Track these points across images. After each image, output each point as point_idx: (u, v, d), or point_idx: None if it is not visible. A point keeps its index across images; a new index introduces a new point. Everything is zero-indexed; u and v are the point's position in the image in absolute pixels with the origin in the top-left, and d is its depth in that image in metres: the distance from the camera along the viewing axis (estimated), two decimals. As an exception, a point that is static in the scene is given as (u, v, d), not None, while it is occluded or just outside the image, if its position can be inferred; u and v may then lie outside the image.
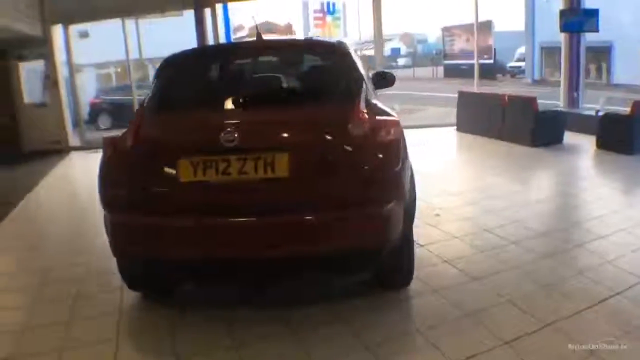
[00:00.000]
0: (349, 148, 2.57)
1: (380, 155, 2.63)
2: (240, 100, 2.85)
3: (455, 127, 8.89)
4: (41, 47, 9.96)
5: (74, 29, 13.29)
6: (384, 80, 4.63)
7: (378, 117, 2.77)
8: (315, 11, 16.49)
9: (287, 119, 2.70)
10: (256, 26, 3.40)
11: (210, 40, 9.87)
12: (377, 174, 2.62)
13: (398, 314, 2.92)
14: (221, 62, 3.28)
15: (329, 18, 16.57)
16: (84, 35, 17.25)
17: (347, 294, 3.10)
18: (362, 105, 2.77)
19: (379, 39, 9.94)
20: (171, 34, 10.43)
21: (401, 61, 36.05)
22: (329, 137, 2.59)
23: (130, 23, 11.49)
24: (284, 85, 3.06)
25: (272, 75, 3.14)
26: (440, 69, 28.01)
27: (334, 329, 2.76)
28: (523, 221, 4.21)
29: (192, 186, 2.59)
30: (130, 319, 3.07)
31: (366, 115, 2.70)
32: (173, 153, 2.62)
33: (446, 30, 26.74)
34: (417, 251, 3.37)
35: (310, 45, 3.32)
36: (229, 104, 2.88)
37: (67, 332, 2.92)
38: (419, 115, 14.96)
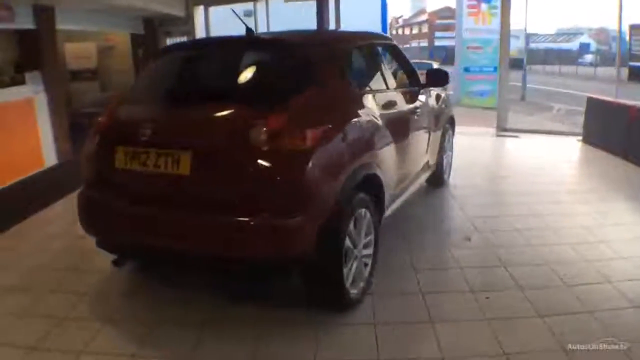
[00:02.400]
0: (248, 153, 2.42)
1: (283, 165, 2.43)
2: (174, 97, 2.90)
3: (580, 138, 7.56)
4: (185, 26, 11.00)
5: (241, 8, 14.40)
6: (437, 78, 4.26)
7: (297, 124, 2.50)
8: (469, -1, 15.33)
9: (197, 119, 2.67)
10: (242, 21, 3.19)
11: (331, 27, 9.81)
12: (274, 184, 2.42)
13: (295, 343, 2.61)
14: (186, 58, 3.22)
15: (484, 6, 15.22)
16: (249, 14, 18.62)
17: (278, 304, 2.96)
18: (291, 109, 2.54)
19: (505, 33, 8.79)
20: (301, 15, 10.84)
21: (588, 58, 31.93)
22: (230, 140, 2.48)
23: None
24: (220, 84, 2.93)
25: (212, 74, 3.05)
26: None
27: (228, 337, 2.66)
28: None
29: (123, 173, 2.78)
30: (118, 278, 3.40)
31: (280, 120, 2.46)
32: (115, 141, 2.82)
33: (634, 28, 22.69)
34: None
35: (271, 44, 3.04)
36: (165, 100, 2.94)
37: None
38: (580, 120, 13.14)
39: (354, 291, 2.85)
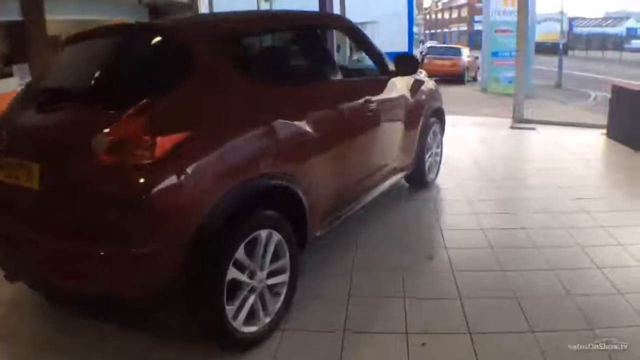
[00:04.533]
0: (88, 166, 2.01)
1: (123, 181, 1.98)
2: (38, 99, 2.45)
3: (604, 132, 6.72)
4: (189, 11, 10.70)
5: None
6: (405, 64, 3.69)
7: (146, 129, 2.01)
8: (500, -19, 14.25)
9: (47, 125, 2.33)
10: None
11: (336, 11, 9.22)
12: (113, 204, 1.99)
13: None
14: (70, 52, 2.74)
15: (516, -12, 14.14)
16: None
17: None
18: (141, 112, 2.05)
19: (522, 14, 7.92)
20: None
21: (635, 43, 29.90)
22: (74, 150, 2.09)
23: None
24: (79, 82, 2.44)
25: (77, 71, 2.58)
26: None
27: None
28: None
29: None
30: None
31: (123, 126, 2.00)
32: None
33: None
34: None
35: (141, 31, 2.54)
36: (32, 102, 2.48)
37: None
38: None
39: (251, 329, 2.35)
